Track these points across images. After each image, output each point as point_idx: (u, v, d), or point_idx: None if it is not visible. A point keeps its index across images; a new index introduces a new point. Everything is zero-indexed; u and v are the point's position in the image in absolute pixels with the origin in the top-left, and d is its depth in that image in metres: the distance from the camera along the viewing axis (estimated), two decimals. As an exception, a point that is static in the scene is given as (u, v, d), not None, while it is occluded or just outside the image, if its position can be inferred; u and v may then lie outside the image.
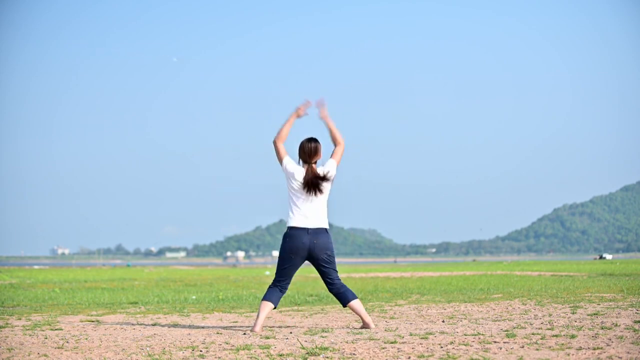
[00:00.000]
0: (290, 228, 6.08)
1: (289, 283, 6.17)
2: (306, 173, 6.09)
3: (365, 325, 6.13)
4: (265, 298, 6.09)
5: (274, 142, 6.20)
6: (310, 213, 6.07)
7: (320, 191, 6.08)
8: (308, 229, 6.05)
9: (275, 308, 6.17)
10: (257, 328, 6.00)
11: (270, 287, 6.17)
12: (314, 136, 6.18)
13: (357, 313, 6.12)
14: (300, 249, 6.03)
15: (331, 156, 6.23)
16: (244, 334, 5.84)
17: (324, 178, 6.07)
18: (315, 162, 6.14)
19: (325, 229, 6.13)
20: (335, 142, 6.28)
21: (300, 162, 6.17)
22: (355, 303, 6.12)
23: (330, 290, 6.20)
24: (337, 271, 6.22)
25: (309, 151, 6.12)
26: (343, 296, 6.14)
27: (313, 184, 6.05)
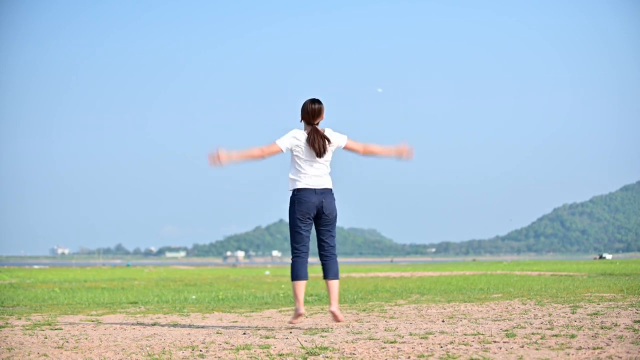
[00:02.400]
0: (297, 190, 6.01)
1: (308, 248, 6.11)
2: (310, 133, 6.02)
3: (331, 313, 6.00)
4: (295, 277, 6.01)
5: (264, 157, 6.05)
6: (315, 175, 6.02)
7: (325, 151, 6.02)
8: (315, 189, 6.00)
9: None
10: (302, 309, 6.00)
11: (293, 259, 6.08)
12: (316, 97, 6.14)
13: (330, 293, 6.04)
14: (310, 208, 5.98)
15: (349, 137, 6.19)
16: (244, 333, 5.84)
17: (328, 139, 6.04)
18: (318, 124, 6.10)
19: (331, 189, 6.10)
20: (366, 146, 6.21)
21: (303, 123, 6.12)
22: (334, 283, 6.05)
23: (321, 254, 6.12)
24: (335, 237, 6.17)
25: (312, 112, 6.05)
26: (327, 269, 6.08)
27: (318, 144, 5.99)
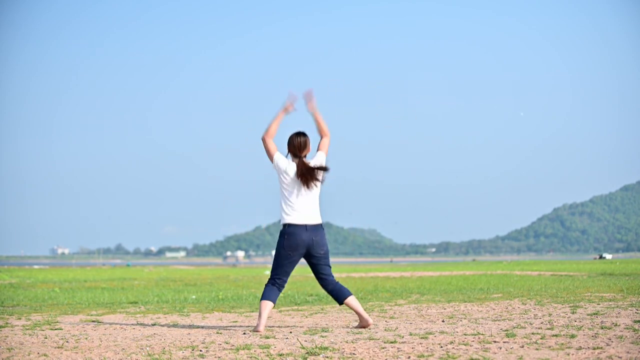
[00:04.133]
0: (288, 225, 6.04)
1: (286, 281, 6.16)
2: (298, 167, 6.07)
3: (362, 323, 6.06)
4: (265, 297, 6.04)
5: (263, 139, 6.16)
6: (305, 209, 6.05)
7: (315, 184, 6.07)
8: (306, 225, 6.03)
9: (274, 307, 6.13)
10: (261, 328, 5.96)
11: (267, 285, 6.11)
12: (302, 130, 6.20)
13: (354, 310, 6.08)
14: (299, 246, 6.01)
15: (318, 149, 6.25)
16: (244, 333, 5.84)
17: (317, 169, 6.09)
18: (305, 156, 6.15)
19: (321, 224, 6.14)
20: (321, 134, 6.30)
21: (289, 156, 6.17)
22: (352, 300, 6.09)
23: (325, 286, 6.16)
24: (330, 267, 6.22)
25: (298, 145, 6.12)
26: (339, 293, 6.11)
27: (307, 177, 6.04)
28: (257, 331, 5.94)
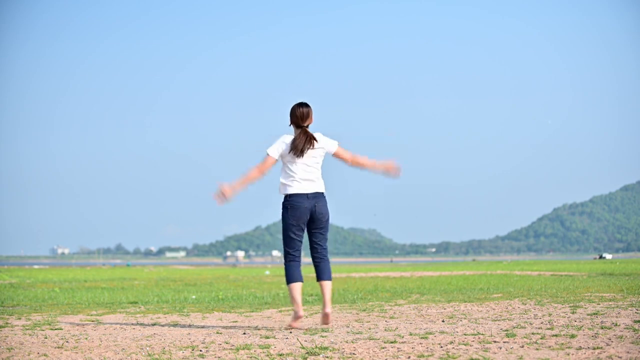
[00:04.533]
0: (290, 195, 6.06)
1: (301, 252, 6.18)
2: (299, 135, 6.09)
3: (323, 314, 6.08)
4: (291, 280, 6.08)
5: (264, 174, 6.15)
6: (305, 178, 6.07)
7: (304, 150, 6.04)
8: (307, 194, 6.05)
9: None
10: (301, 312, 6.03)
11: (287, 264, 6.15)
12: (304, 101, 6.22)
13: (323, 294, 6.10)
14: (303, 214, 6.04)
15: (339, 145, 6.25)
16: (244, 333, 5.84)
17: (315, 139, 6.10)
18: (307, 126, 6.17)
19: (323, 193, 6.16)
20: (354, 157, 6.26)
21: (292, 126, 6.19)
22: (327, 285, 6.13)
23: (314, 256, 6.19)
24: (327, 239, 6.24)
25: (301, 115, 6.13)
26: (321, 270, 6.15)
27: (301, 142, 6.04)
28: (298, 317, 6.00)
